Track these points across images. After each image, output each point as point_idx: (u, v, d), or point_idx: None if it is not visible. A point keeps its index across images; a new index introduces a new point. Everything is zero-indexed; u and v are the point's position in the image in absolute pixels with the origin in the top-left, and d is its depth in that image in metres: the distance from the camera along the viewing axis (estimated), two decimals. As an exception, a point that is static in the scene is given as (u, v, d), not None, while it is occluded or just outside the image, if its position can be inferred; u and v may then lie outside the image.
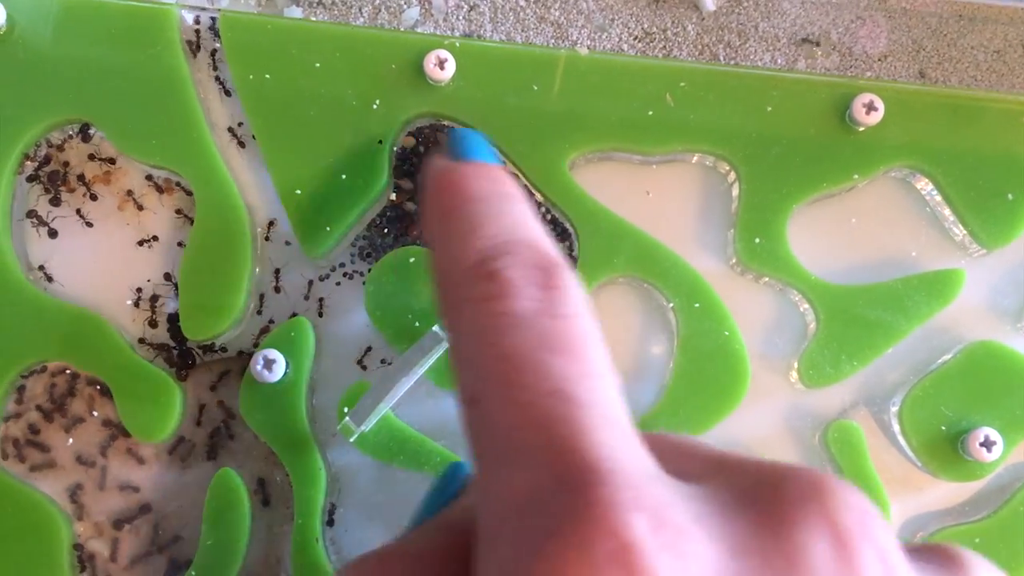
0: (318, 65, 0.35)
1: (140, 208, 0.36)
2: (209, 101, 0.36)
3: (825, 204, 0.36)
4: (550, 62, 0.35)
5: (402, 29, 0.38)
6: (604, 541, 0.16)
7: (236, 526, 0.34)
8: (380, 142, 0.35)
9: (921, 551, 0.20)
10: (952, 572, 0.20)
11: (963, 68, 0.38)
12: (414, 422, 0.35)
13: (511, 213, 0.23)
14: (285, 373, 0.34)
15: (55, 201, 0.35)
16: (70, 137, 0.36)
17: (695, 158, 0.36)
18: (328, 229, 0.35)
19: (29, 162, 0.36)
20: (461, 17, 0.38)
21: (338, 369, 0.36)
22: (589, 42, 0.38)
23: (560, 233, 0.36)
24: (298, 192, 0.35)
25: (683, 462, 0.20)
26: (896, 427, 0.35)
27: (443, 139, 0.30)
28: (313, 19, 0.38)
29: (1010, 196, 0.35)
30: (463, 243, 0.22)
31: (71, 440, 0.35)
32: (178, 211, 0.36)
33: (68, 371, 0.35)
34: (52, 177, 0.36)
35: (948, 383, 0.35)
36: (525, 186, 0.36)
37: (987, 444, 0.33)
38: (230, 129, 0.36)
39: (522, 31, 0.38)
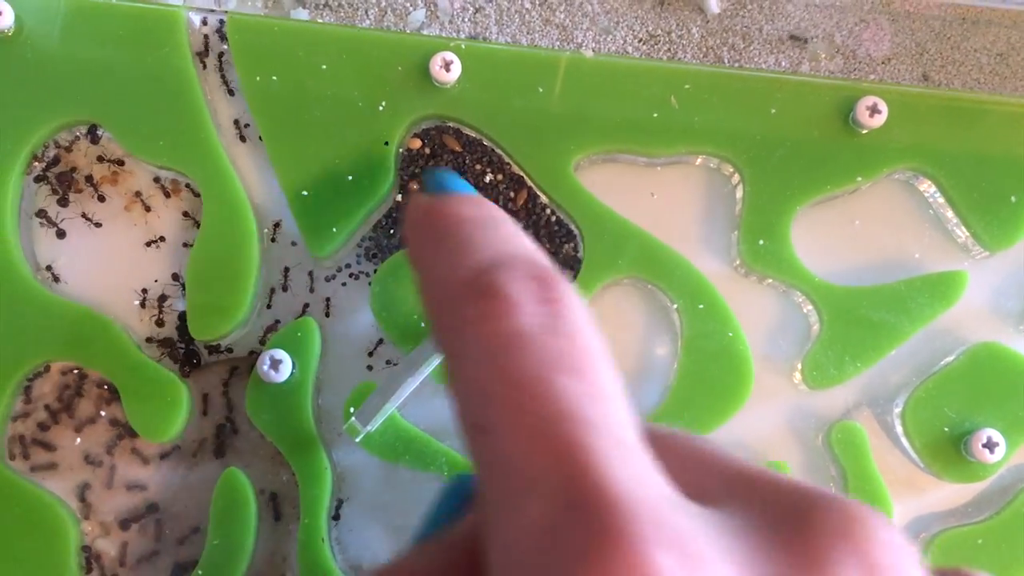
0: (324, 67, 0.35)
1: (148, 209, 0.36)
2: (216, 102, 0.36)
3: (829, 206, 0.36)
4: (555, 64, 0.35)
5: (408, 31, 0.38)
6: None
7: (242, 526, 0.34)
8: (386, 143, 0.35)
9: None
10: None
11: (966, 71, 0.38)
12: (420, 422, 0.35)
13: (501, 231, 0.23)
14: (291, 373, 0.34)
15: (63, 202, 0.36)
16: (77, 138, 0.36)
17: (699, 160, 0.36)
18: (334, 230, 0.35)
19: (37, 163, 0.36)
20: (467, 19, 0.38)
21: (344, 369, 0.36)
22: (594, 44, 0.38)
23: (565, 234, 0.36)
24: (304, 193, 0.35)
25: (701, 477, 0.20)
26: (899, 428, 0.35)
27: (428, 169, 0.29)
28: (319, 21, 0.38)
29: (1013, 198, 0.35)
30: (455, 262, 0.22)
31: (79, 440, 0.35)
32: (185, 213, 0.36)
33: (76, 371, 0.35)
34: (60, 178, 0.36)
35: (951, 384, 0.35)
36: (529, 188, 0.36)
37: (990, 445, 0.33)
38: (236, 122, 0.36)
39: (527, 33, 0.38)
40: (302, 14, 0.38)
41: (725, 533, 0.17)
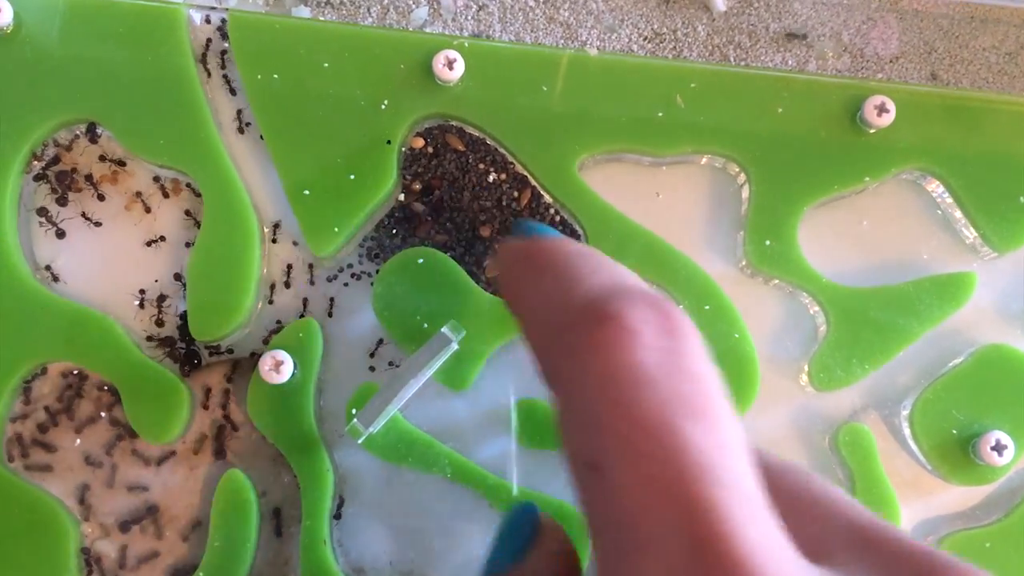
0: (326, 65, 0.35)
1: (148, 210, 0.36)
2: (217, 101, 0.36)
3: (836, 206, 0.36)
4: (559, 63, 0.35)
5: (411, 29, 0.37)
6: None
7: (244, 528, 0.33)
8: (388, 142, 0.35)
9: None
10: None
11: (975, 70, 0.38)
12: (422, 424, 0.35)
13: (612, 264, 0.22)
14: (293, 374, 0.34)
15: (62, 201, 0.35)
16: (77, 137, 0.35)
17: (704, 160, 0.36)
18: (336, 229, 0.35)
19: (37, 161, 0.35)
20: (470, 17, 0.38)
21: (346, 370, 0.35)
22: (599, 43, 0.38)
23: (569, 234, 0.36)
24: (306, 192, 0.35)
25: (820, 531, 0.19)
26: (907, 430, 0.35)
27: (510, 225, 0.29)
28: (321, 19, 0.38)
29: (1022, 199, 0.35)
30: (565, 290, 0.21)
31: (79, 441, 0.35)
32: (187, 212, 0.36)
33: (76, 372, 0.35)
34: (60, 177, 0.35)
35: (959, 386, 0.35)
36: (533, 187, 0.36)
37: (998, 448, 0.33)
38: (238, 112, 0.36)
39: (531, 31, 0.38)
40: (304, 12, 0.37)
41: None
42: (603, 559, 0.17)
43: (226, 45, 0.36)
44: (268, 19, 0.35)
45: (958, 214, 0.36)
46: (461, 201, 0.36)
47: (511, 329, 0.35)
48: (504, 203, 0.36)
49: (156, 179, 0.36)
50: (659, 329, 0.19)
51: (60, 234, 0.35)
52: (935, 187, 0.36)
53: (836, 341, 0.35)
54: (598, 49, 0.36)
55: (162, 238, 0.36)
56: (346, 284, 0.36)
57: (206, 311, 0.34)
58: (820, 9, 0.38)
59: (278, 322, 0.35)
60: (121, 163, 0.35)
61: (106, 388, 0.35)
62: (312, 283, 0.36)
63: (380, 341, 0.35)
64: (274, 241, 0.36)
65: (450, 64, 0.34)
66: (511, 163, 0.36)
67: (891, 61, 0.38)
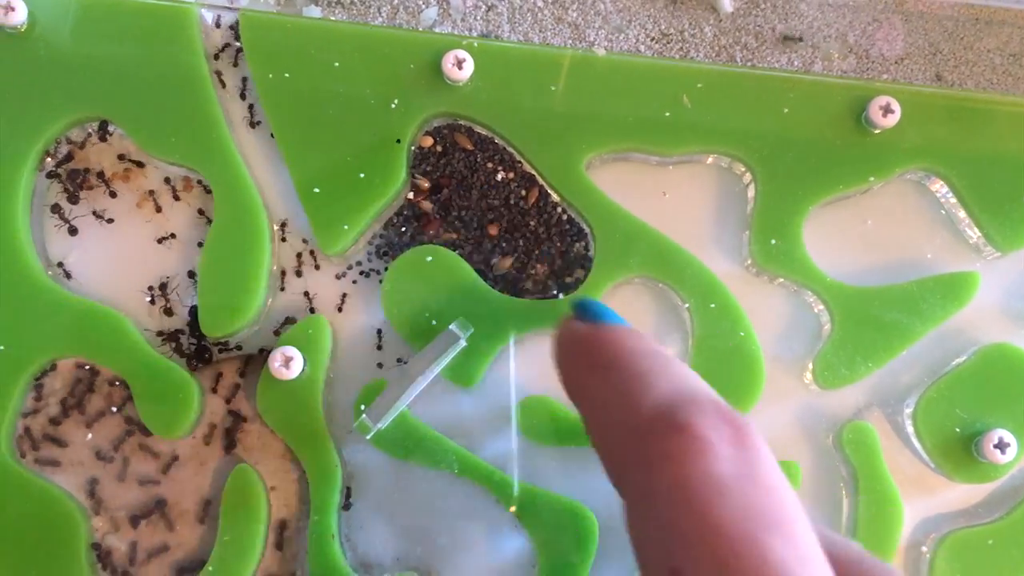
0: (337, 64, 0.35)
1: (159, 210, 0.36)
2: (229, 100, 0.36)
3: (841, 206, 0.36)
4: (567, 63, 0.35)
5: (420, 29, 0.38)
6: None
7: (253, 523, 0.34)
8: (398, 141, 0.35)
9: None
10: None
11: (979, 71, 0.38)
12: (430, 420, 0.35)
13: (678, 367, 0.22)
14: (302, 370, 0.34)
15: (73, 199, 0.36)
16: (90, 135, 0.36)
17: (711, 159, 0.36)
18: (345, 227, 0.35)
19: (50, 159, 0.36)
20: (479, 17, 0.38)
21: (354, 367, 0.36)
22: (606, 43, 0.38)
23: (576, 233, 0.36)
24: (316, 190, 0.35)
25: None
26: (910, 428, 0.35)
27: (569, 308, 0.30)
28: (332, 19, 0.38)
29: (1025, 199, 0.35)
30: (637, 395, 0.21)
31: (90, 435, 0.35)
32: (200, 211, 0.36)
33: (87, 367, 0.35)
34: (72, 175, 0.36)
35: (962, 385, 0.35)
36: (541, 186, 0.36)
37: (1001, 446, 0.33)
38: (250, 107, 0.36)
39: (540, 32, 0.38)
40: (315, 11, 0.38)
41: None
42: None
43: (237, 45, 0.36)
44: (280, 19, 0.36)
45: (962, 214, 0.36)
46: (469, 199, 0.36)
47: (518, 327, 0.35)
48: (512, 202, 0.36)
49: (167, 180, 0.36)
50: (731, 440, 0.19)
51: (73, 231, 0.36)
52: (939, 187, 0.36)
53: (840, 340, 0.35)
54: (606, 49, 0.37)
55: (173, 235, 0.36)
56: (354, 281, 0.36)
57: (217, 308, 0.34)
58: (826, 10, 0.38)
59: (287, 319, 0.36)
60: (139, 164, 0.36)
61: (117, 383, 0.35)
62: (317, 268, 0.36)
63: (379, 331, 0.36)
64: (283, 240, 0.36)
65: (459, 64, 0.34)
66: (519, 162, 0.36)
67: (896, 62, 0.38)
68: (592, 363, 0.23)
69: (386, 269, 0.35)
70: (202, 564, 0.34)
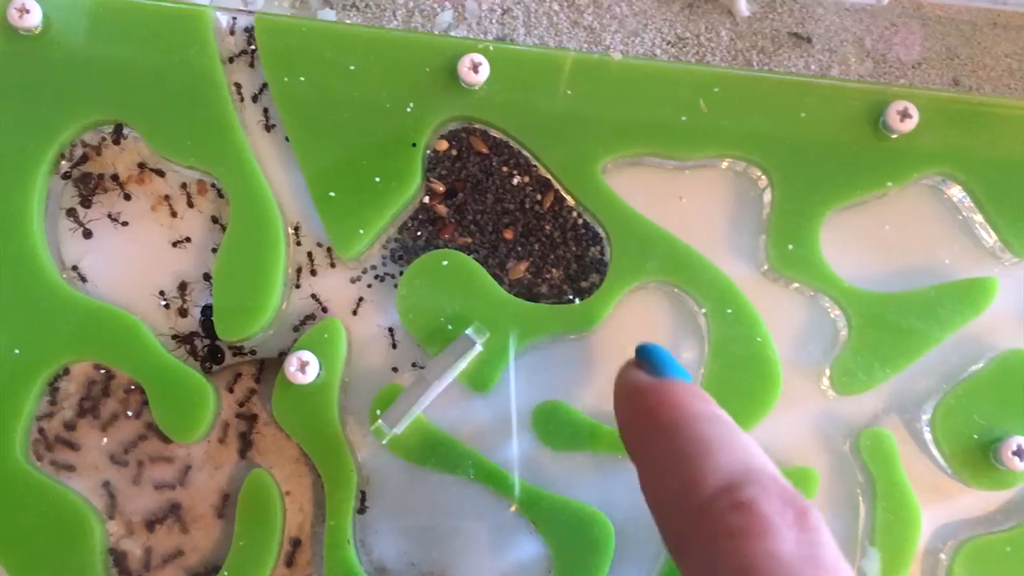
0: (352, 68, 0.35)
1: (174, 215, 0.36)
2: (243, 103, 0.36)
3: (858, 211, 0.36)
4: (583, 66, 0.35)
5: (435, 32, 0.38)
6: None
7: (269, 527, 0.34)
8: (413, 145, 0.35)
9: None
10: None
11: (997, 76, 0.38)
12: (446, 425, 0.35)
13: (740, 439, 0.23)
14: (318, 375, 0.34)
15: (86, 203, 0.35)
16: (105, 139, 0.36)
17: (727, 163, 0.36)
18: (360, 231, 0.35)
19: (65, 162, 0.36)
20: (494, 21, 0.38)
21: (369, 371, 0.36)
22: (622, 47, 0.38)
23: (592, 237, 0.36)
24: (332, 194, 0.35)
25: None
26: (928, 435, 0.35)
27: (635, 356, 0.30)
28: (347, 22, 0.38)
29: (1044, 204, 0.35)
30: (698, 466, 0.21)
31: (105, 439, 0.35)
32: (214, 219, 0.36)
33: (103, 371, 0.35)
34: (84, 178, 0.36)
35: (980, 391, 0.35)
36: (556, 190, 0.36)
37: (1019, 453, 0.33)
38: (266, 111, 0.36)
39: (555, 35, 0.38)
40: (329, 15, 0.38)
41: None
42: None
43: (252, 48, 0.36)
44: (295, 22, 0.35)
45: (980, 219, 0.36)
46: (485, 203, 0.36)
47: (533, 332, 0.35)
48: (527, 205, 0.36)
49: (183, 186, 0.36)
50: (794, 520, 0.20)
51: (87, 234, 0.36)
52: (957, 192, 0.36)
53: (858, 345, 0.35)
54: (622, 53, 0.36)
55: (188, 239, 0.36)
56: (369, 285, 0.36)
57: (233, 311, 0.34)
58: (843, 15, 0.38)
59: (302, 322, 0.36)
60: (160, 172, 0.36)
61: (133, 387, 0.35)
62: (332, 265, 0.36)
63: (390, 330, 0.36)
64: (298, 244, 0.36)
65: (475, 67, 0.34)
66: (534, 166, 0.36)
67: (914, 67, 0.38)
68: (654, 423, 0.23)
69: (401, 273, 0.35)
70: (217, 569, 0.34)
